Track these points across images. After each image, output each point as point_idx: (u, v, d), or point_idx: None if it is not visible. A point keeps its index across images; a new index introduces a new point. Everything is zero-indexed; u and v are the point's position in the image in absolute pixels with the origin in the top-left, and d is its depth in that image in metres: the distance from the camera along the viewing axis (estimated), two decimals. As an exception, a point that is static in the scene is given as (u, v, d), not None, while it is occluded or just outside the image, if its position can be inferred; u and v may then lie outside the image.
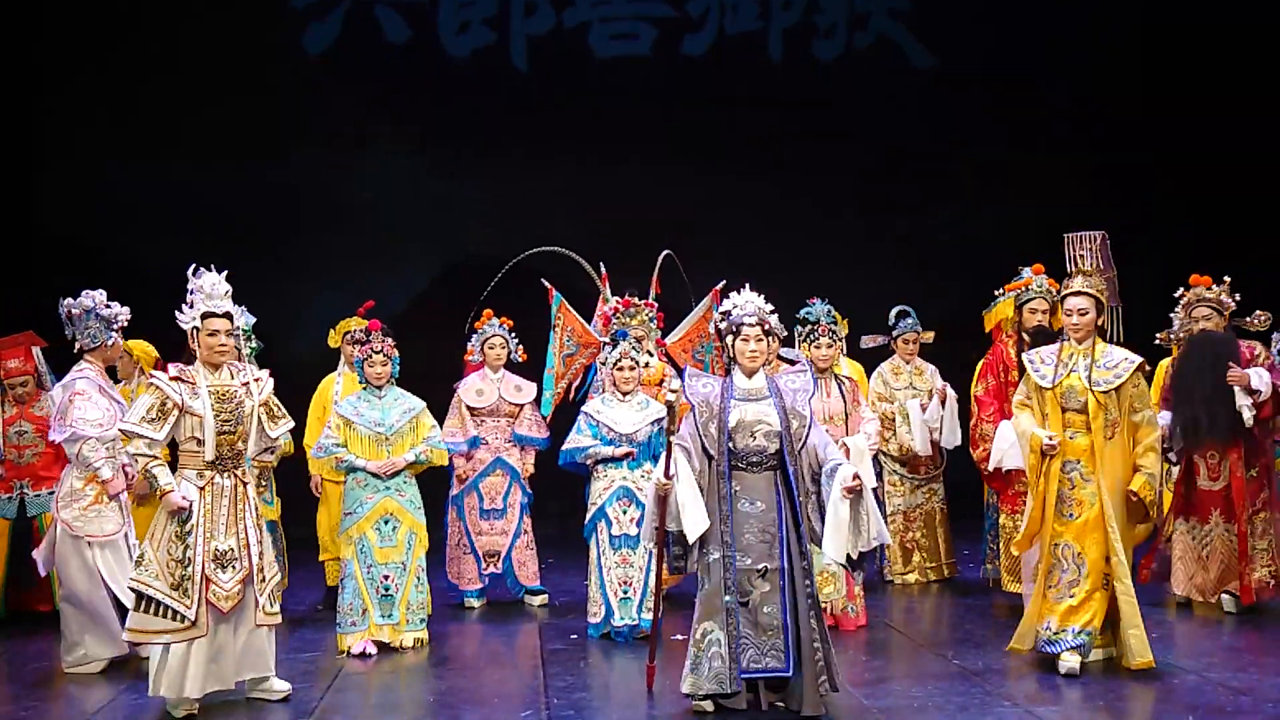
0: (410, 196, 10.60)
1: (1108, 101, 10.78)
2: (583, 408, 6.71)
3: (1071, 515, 5.46)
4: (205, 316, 5.13)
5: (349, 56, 10.63)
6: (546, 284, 7.55)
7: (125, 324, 6.16)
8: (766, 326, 5.02)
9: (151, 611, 4.96)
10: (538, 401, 7.35)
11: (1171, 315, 7.68)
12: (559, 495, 7.47)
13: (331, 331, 7.61)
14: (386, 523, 6.28)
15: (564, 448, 6.57)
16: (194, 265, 5.25)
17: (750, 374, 5.01)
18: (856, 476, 4.76)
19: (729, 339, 5.04)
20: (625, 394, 6.52)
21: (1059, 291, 6.53)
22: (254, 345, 7.17)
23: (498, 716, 5.07)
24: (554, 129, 10.59)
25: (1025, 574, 6.15)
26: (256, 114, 10.28)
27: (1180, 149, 10.41)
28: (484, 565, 7.18)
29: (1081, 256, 5.69)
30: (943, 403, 7.46)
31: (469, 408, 7.20)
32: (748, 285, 5.16)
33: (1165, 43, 10.70)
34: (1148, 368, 5.72)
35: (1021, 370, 5.86)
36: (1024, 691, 5.21)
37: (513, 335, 7.40)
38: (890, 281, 9.20)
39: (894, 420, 7.63)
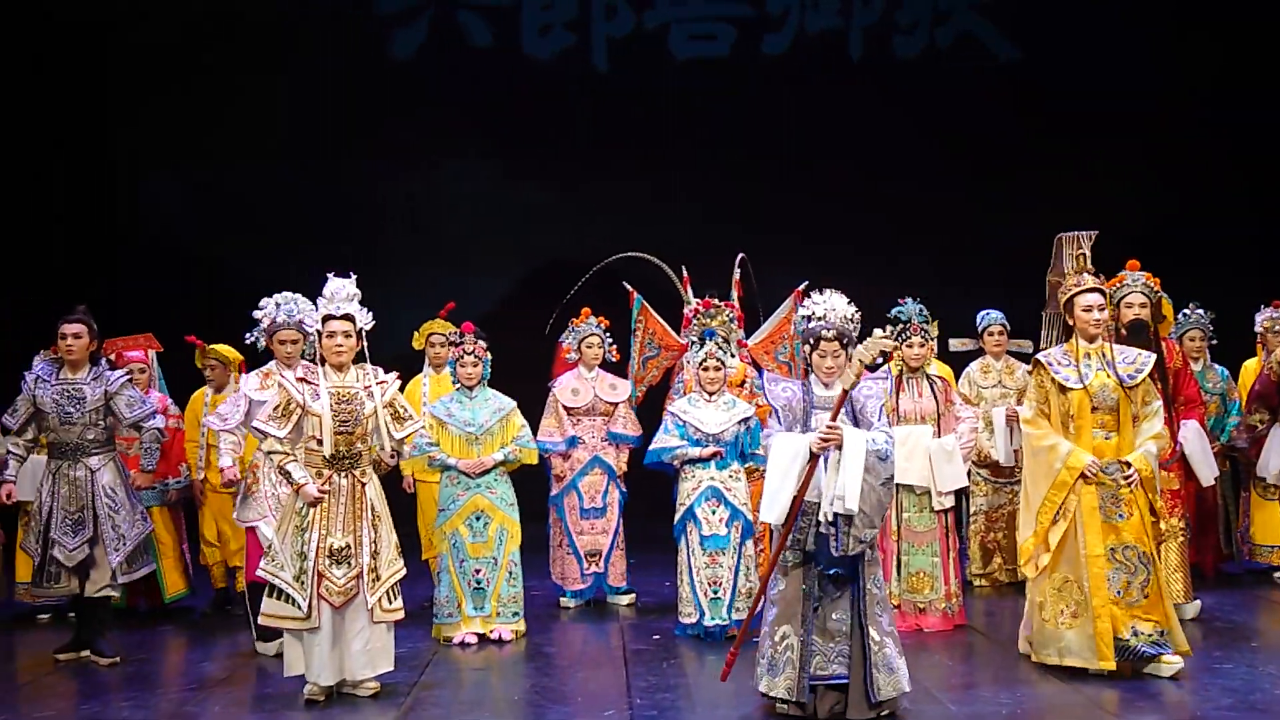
0: (491, 199, 10.71)
1: (1195, 95, 10.52)
2: (669, 408, 6.72)
3: (1122, 516, 5.36)
4: (325, 319, 5.36)
5: (433, 61, 10.78)
6: (628, 287, 7.58)
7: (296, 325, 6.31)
8: (845, 340, 4.95)
9: (279, 599, 5.24)
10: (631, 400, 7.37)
11: (1259, 314, 7.54)
12: (644, 495, 7.48)
13: (415, 334, 7.72)
14: (478, 519, 6.43)
15: (651, 447, 6.60)
16: (328, 274, 5.43)
17: (827, 385, 4.98)
18: (832, 429, 4.68)
19: (807, 348, 5.01)
20: (711, 394, 6.52)
21: (1158, 288, 6.41)
22: None
23: (581, 715, 5.10)
24: (633, 130, 10.63)
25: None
26: (343, 119, 10.50)
27: (1258, 147, 10.14)
28: (586, 565, 7.20)
29: (1081, 256, 5.55)
30: (1009, 423, 7.38)
31: (565, 407, 7.24)
32: (831, 291, 5.09)
33: (1248, 36, 10.41)
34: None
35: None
36: (1117, 698, 5.10)
37: (608, 335, 7.43)
38: (977, 283, 9.07)
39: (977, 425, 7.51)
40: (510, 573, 6.45)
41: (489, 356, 6.58)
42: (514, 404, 6.60)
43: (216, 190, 10.52)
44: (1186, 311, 7.67)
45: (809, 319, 4.97)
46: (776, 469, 4.79)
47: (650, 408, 7.47)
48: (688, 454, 6.41)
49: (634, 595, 7.34)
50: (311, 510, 5.25)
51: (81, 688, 5.69)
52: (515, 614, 6.46)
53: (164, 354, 7.57)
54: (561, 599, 7.28)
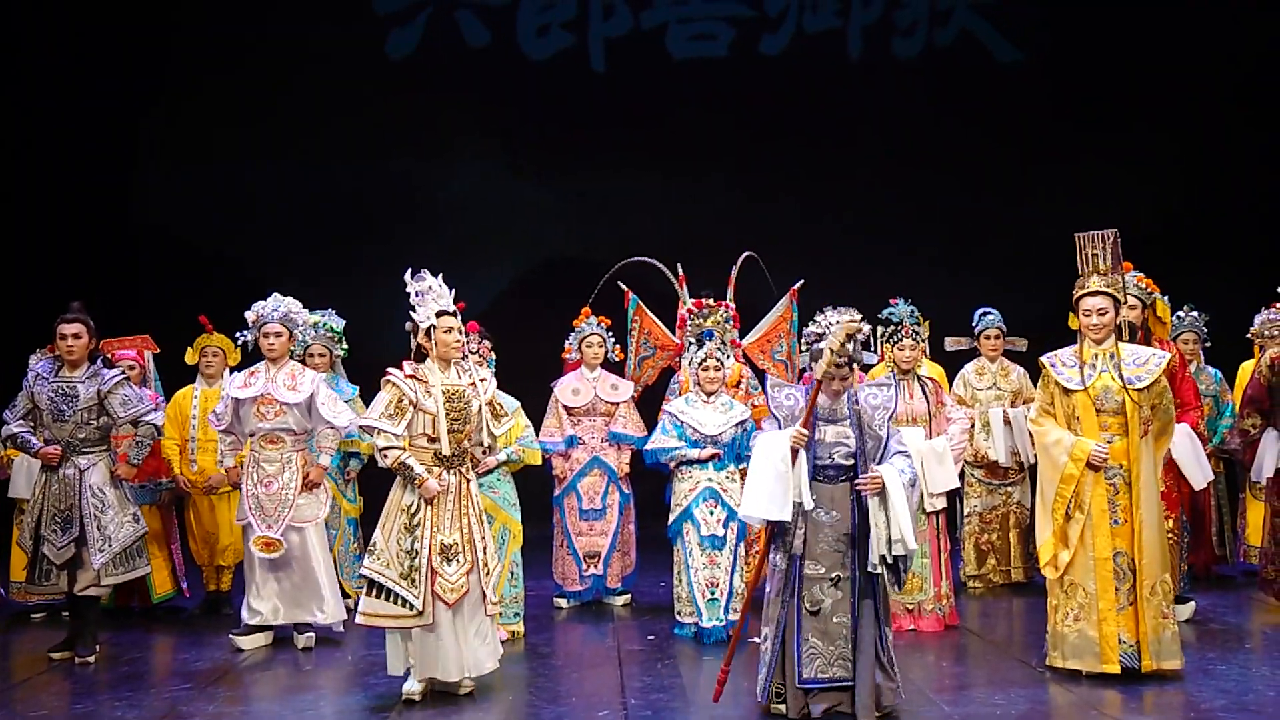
0: (490, 199, 10.72)
1: (1198, 94, 10.52)
2: (666, 408, 6.71)
3: (1117, 522, 5.35)
4: (439, 315, 5.31)
5: (430, 61, 10.79)
6: (623, 287, 7.56)
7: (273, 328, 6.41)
8: (854, 365, 4.94)
9: (382, 598, 5.19)
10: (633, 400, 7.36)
11: (1257, 315, 7.51)
12: (636, 495, 7.48)
13: None
14: None
15: (648, 448, 6.61)
16: (410, 269, 5.39)
17: (831, 399, 4.95)
18: (877, 477, 4.73)
19: (814, 365, 4.98)
20: (709, 395, 6.51)
21: (1151, 289, 6.40)
22: (344, 349, 7.32)
23: (576, 715, 5.10)
24: (631, 130, 10.63)
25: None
26: (341, 119, 10.50)
27: (1258, 146, 10.16)
28: (584, 566, 7.20)
29: (1095, 255, 5.53)
30: (1007, 424, 7.37)
31: (565, 407, 7.24)
32: (831, 309, 5.00)
33: (1258, 34, 10.42)
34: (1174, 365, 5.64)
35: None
36: (1113, 698, 5.11)
37: (609, 334, 7.41)
38: (977, 284, 9.07)
39: (972, 426, 7.50)
40: (511, 573, 6.43)
41: (494, 356, 6.57)
42: (517, 404, 6.56)
43: (216, 189, 10.54)
44: (1180, 314, 7.65)
45: (819, 336, 4.91)
46: (766, 468, 4.76)
47: (646, 408, 7.46)
48: (686, 455, 6.41)
49: (629, 596, 7.33)
50: (424, 508, 5.21)
51: (75, 687, 5.69)
52: (515, 614, 6.46)
53: (160, 356, 7.56)
54: (556, 599, 7.28)
